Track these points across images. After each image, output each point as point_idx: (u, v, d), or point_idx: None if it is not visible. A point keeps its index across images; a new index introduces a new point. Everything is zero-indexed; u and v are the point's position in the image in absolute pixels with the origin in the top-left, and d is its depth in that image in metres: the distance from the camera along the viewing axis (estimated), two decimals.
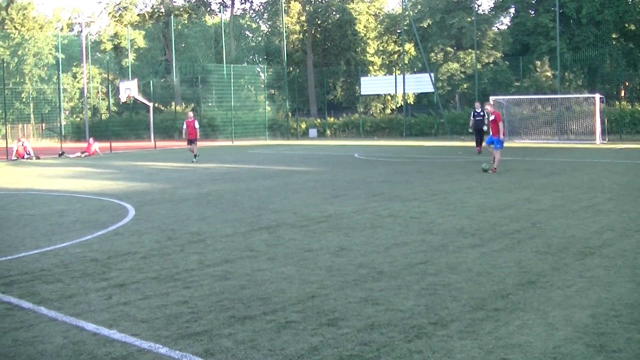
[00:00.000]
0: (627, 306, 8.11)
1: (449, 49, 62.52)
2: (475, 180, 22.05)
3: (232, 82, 61.89)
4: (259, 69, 71.40)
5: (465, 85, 61.41)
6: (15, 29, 71.41)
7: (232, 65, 64.57)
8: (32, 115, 68.68)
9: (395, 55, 72.02)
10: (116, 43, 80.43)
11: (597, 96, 43.80)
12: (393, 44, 73.19)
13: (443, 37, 62.20)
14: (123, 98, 59.41)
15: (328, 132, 62.16)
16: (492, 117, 25.67)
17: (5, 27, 71.74)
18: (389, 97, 71.07)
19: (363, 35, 74.81)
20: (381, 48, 74.82)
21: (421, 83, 58.15)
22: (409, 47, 65.89)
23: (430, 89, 57.27)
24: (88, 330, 7.77)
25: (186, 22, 78.70)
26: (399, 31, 67.67)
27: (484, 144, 27.01)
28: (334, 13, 75.75)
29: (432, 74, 56.86)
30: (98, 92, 73.94)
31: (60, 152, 44.87)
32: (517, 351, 6.66)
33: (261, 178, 24.97)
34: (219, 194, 20.21)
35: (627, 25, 60.33)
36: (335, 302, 8.52)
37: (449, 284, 9.21)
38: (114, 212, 17.49)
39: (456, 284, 9.23)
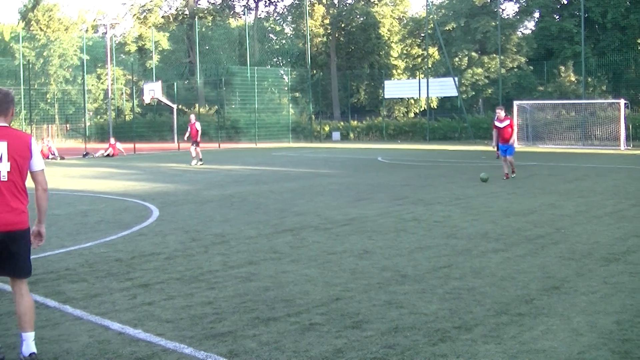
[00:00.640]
0: None
1: (473, 54, 62.38)
2: (499, 185, 22.00)
3: (256, 85, 62.03)
4: (282, 72, 71.41)
5: (489, 90, 61.26)
6: (41, 30, 71.88)
7: (255, 67, 64.71)
8: (56, 116, 69.05)
9: (419, 59, 71.95)
10: (140, 45, 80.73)
11: (622, 102, 43.60)
12: (417, 47, 73.11)
13: (467, 42, 62.08)
14: (147, 99, 59.59)
15: (351, 135, 62.16)
16: (505, 123, 24.36)
17: (31, 28, 72.21)
18: (412, 101, 70.98)
19: (387, 38, 74.76)
20: (405, 52, 74.76)
21: (445, 87, 58.08)
22: (432, 51, 65.78)
23: (453, 93, 57.20)
24: (113, 329, 7.83)
25: (210, 24, 78.88)
26: (422, 35, 67.60)
27: (499, 153, 25.27)
28: (357, 16, 75.77)
29: (456, 78, 56.75)
30: (122, 93, 74.25)
31: (84, 153, 45.14)
32: (541, 356, 6.65)
33: (284, 180, 25.02)
34: (242, 196, 20.27)
35: None
36: (359, 305, 8.54)
37: (472, 288, 9.20)
38: (138, 212, 17.58)
39: (480, 288, 9.23)
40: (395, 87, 64.86)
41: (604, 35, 58.97)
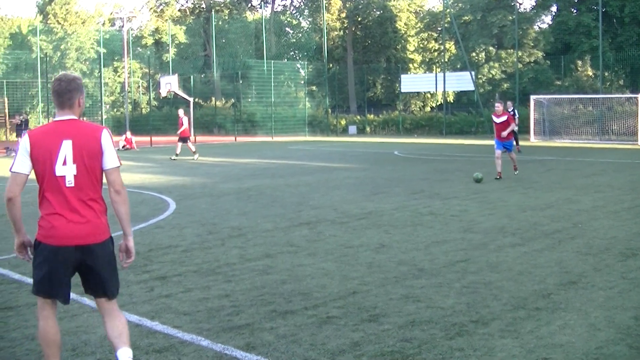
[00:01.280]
0: None
1: (490, 48, 62.19)
2: (515, 179, 21.95)
3: (272, 78, 62.05)
4: (299, 66, 71.37)
5: (505, 85, 61.04)
6: (58, 23, 71.99)
7: (272, 61, 64.71)
8: None
9: (436, 53, 71.82)
10: (157, 38, 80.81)
11: None
12: (433, 41, 72.99)
13: (484, 36, 61.87)
14: (163, 93, 59.56)
15: (368, 129, 62.09)
16: (503, 119, 22.78)
17: (49, 21, 72.36)
18: (429, 95, 70.85)
19: (403, 32, 74.64)
20: (421, 46, 74.65)
21: (461, 81, 57.90)
22: (449, 45, 65.62)
23: (470, 87, 57.01)
24: (131, 321, 7.84)
25: (227, 17, 78.91)
26: (439, 29, 67.43)
27: (497, 152, 22.71)
28: (374, 10, 75.68)
29: (473, 73, 56.60)
30: (139, 86, 74.41)
31: None
32: (558, 351, 6.64)
33: (301, 174, 25.04)
34: (259, 189, 20.30)
35: None
36: (376, 299, 8.55)
37: (489, 283, 9.20)
38: (155, 205, 17.64)
39: (497, 282, 9.22)
40: (412, 81, 64.75)
41: (622, 30, 58.64)
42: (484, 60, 61.82)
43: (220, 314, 8.04)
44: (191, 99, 58.69)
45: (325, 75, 65.17)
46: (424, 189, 19.63)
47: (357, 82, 72.51)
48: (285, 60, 74.05)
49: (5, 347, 7.13)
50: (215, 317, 7.93)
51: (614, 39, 58.57)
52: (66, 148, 5.66)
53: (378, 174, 24.57)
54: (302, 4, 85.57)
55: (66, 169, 5.65)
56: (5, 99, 60.39)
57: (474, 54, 61.67)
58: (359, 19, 75.71)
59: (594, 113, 47.44)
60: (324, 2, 68.21)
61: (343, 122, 63.96)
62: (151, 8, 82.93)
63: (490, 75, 60.82)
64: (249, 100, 65.84)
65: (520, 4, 64.11)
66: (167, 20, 78.61)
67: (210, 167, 29.20)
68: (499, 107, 23.12)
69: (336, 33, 75.62)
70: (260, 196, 18.86)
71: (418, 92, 69.54)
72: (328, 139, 55.03)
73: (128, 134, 46.92)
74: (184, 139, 35.10)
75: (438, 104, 67.08)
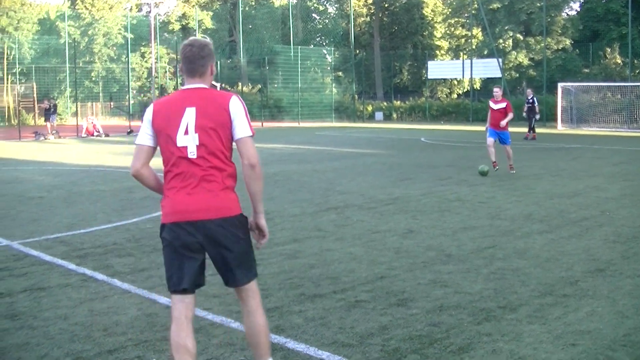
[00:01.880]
0: None
1: (518, 35, 61.89)
2: (542, 167, 21.90)
3: (299, 64, 62.10)
4: (325, 51, 71.35)
5: (532, 72, 60.77)
6: (86, 9, 72.21)
7: (299, 47, 64.76)
8: (101, 94, 69.52)
9: (463, 40, 71.56)
10: (184, 24, 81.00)
11: None
12: (460, 28, 72.73)
13: (512, 23, 61.61)
14: None
15: (394, 115, 62.00)
16: (501, 105, 20.57)
17: (77, 7, 72.63)
18: (455, 82, 70.65)
19: (430, 19, 74.44)
20: (448, 32, 74.40)
21: (488, 68, 57.67)
22: (476, 31, 65.37)
23: (497, 74, 56.77)
24: (161, 303, 7.96)
25: (253, 3, 78.99)
26: (466, 15, 67.17)
27: (489, 140, 20.42)
28: None
29: (500, 60, 56.34)
30: (166, 71, 74.64)
31: (128, 130, 45.48)
32: (586, 337, 6.66)
33: (328, 160, 25.09)
34: (286, 175, 20.37)
35: None
36: (404, 283, 8.60)
37: (517, 269, 9.22)
38: None
39: (524, 269, 9.24)
40: (439, 68, 64.63)
41: None
42: (511, 47, 61.54)
43: None
44: (218, 85, 58.84)
45: (351, 62, 65.12)
46: (451, 175, 19.62)
47: (384, 68, 72.46)
48: (312, 46, 74.07)
49: (39, 327, 7.23)
50: None
51: None
52: (189, 116, 5.16)
53: (405, 160, 24.59)
54: None
55: (188, 139, 5.14)
56: (34, 84, 60.78)
57: (501, 41, 61.40)
58: (386, 5, 75.58)
59: (622, 101, 47.12)
60: None
61: (370, 108, 63.93)
62: None
63: (517, 62, 60.54)
64: (276, 85, 65.93)
65: None
66: (194, 5, 78.80)
67: (237, 153, 29.24)
68: (497, 92, 20.95)
69: (363, 19, 75.52)
70: (287, 181, 18.93)
71: (445, 79, 69.39)
72: (354, 125, 55.01)
73: (91, 119, 46.84)
74: None
75: (465, 90, 66.84)
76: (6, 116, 59.30)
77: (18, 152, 31.92)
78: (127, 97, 61.77)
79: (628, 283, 8.56)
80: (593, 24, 61.24)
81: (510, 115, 20.48)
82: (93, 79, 67.98)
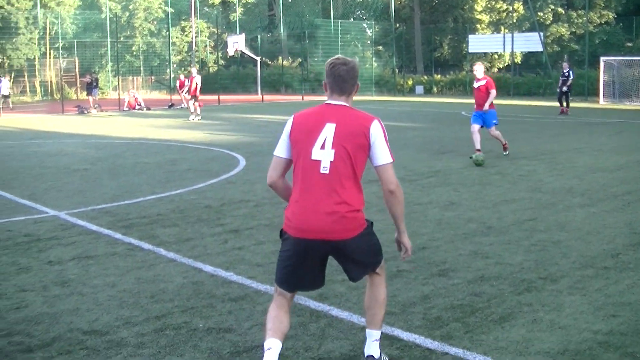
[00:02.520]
0: None
1: (559, 9, 61.31)
2: (584, 141, 21.79)
3: (340, 38, 62.02)
4: (365, 25, 71.13)
5: (574, 46, 60.21)
6: None
7: (339, 20, 64.65)
8: (141, 68, 69.85)
9: (504, 14, 70.95)
10: None
11: None
12: (501, 2, 72.11)
13: None
14: (231, 52, 60.03)
15: (435, 89, 61.74)
16: (480, 84, 18.23)
17: None
18: (496, 56, 70.14)
19: None
20: (489, 6, 73.77)
21: (529, 42, 57.12)
22: (517, 5, 64.82)
23: (538, 48, 56.29)
24: (206, 271, 8.14)
25: None
26: None
27: (473, 126, 18.16)
28: None
29: (541, 34, 55.86)
30: (206, 46, 74.79)
31: (169, 104, 45.80)
32: (627, 309, 6.72)
33: None
34: None
35: None
36: (445, 254, 8.69)
37: (558, 242, 9.27)
38: (225, 162, 17.94)
39: (565, 241, 9.29)
40: (480, 42, 64.12)
41: None
42: (551, 21, 60.97)
43: None
44: (258, 58, 59.00)
45: (392, 35, 64.89)
46: (492, 149, 19.57)
47: (424, 42, 72.03)
48: (352, 19, 73.85)
49: (88, 293, 7.43)
50: None
51: None
52: (328, 131, 5.10)
53: (445, 134, 24.59)
54: None
55: (323, 154, 5.07)
56: (76, 59, 61.21)
57: (541, 14, 60.84)
58: None
59: None
60: None
61: (410, 82, 63.70)
62: None
63: (559, 36, 59.98)
64: (316, 59, 65.84)
65: None
66: None
67: (278, 126, 29.28)
68: (477, 69, 18.42)
69: None
70: None
71: (485, 53, 68.89)
72: (395, 98, 54.90)
73: (133, 92, 47.14)
74: (194, 97, 34.84)
75: (506, 65, 66.35)
76: (49, 90, 59.85)
77: (62, 125, 32.26)
78: (167, 71, 62.07)
79: None
80: None
81: (493, 94, 18.02)
82: (134, 53, 68.28)
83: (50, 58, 59.97)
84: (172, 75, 58.83)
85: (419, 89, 61.45)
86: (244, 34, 60.31)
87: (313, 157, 5.07)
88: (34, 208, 12.28)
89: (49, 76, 60.26)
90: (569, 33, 60.01)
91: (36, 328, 6.48)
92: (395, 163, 5.18)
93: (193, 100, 34.85)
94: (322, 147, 5.06)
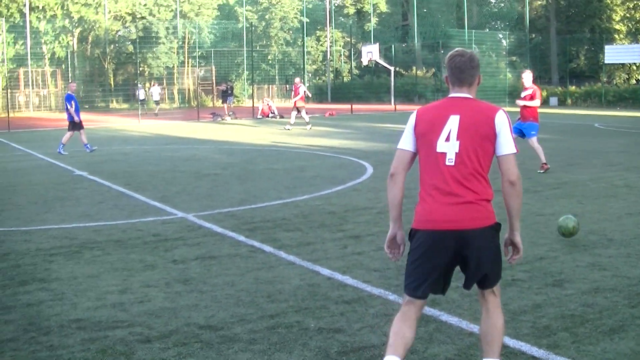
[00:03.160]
0: None
1: None
2: None
3: (474, 48, 61.68)
4: (500, 36, 70.51)
5: None
6: None
7: (473, 31, 64.30)
8: (276, 77, 71.08)
9: None
10: (359, 7, 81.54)
11: None
12: None
13: None
14: (365, 61, 60.44)
15: (569, 100, 60.73)
16: (527, 93, 17.42)
17: None
18: (635, 67, 68.50)
19: (609, 1, 72.35)
20: (627, 15, 72.09)
21: None
22: None
23: None
24: (323, 274, 8.34)
25: None
26: None
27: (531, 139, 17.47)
28: None
29: None
30: (340, 55, 75.48)
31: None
32: None
33: None
34: None
35: None
36: (562, 265, 8.66)
37: None
38: (353, 169, 18.17)
39: None
40: (616, 52, 62.70)
41: None
42: None
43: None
44: (392, 68, 59.20)
45: (527, 46, 64.25)
46: (622, 161, 19.25)
47: (559, 52, 70.86)
48: (487, 30, 73.33)
49: (207, 291, 7.74)
50: (404, 274, 8.25)
51: None
52: (452, 123, 5.09)
53: (575, 145, 24.26)
54: None
55: (448, 146, 5.05)
56: (213, 67, 62.67)
57: None
58: None
59: None
60: None
61: (544, 93, 62.79)
62: None
63: None
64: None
65: None
66: None
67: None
68: (525, 77, 17.74)
69: (539, 2, 74.09)
70: None
71: (622, 64, 67.35)
72: None
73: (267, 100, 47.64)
74: (298, 109, 34.55)
75: None
76: (186, 98, 61.50)
77: (196, 131, 33.17)
78: (302, 80, 62.96)
79: None
80: None
81: (533, 103, 17.29)
82: (269, 62, 69.53)
83: (188, 67, 61.63)
84: (307, 84, 59.54)
85: (553, 100, 60.54)
86: (378, 44, 60.63)
87: (438, 150, 5.06)
88: (164, 210, 12.79)
89: (186, 84, 61.94)
90: None
91: (156, 321, 6.84)
92: (521, 174, 5.20)
93: (300, 111, 34.51)
94: (447, 139, 5.04)
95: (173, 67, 62.61)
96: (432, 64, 67.16)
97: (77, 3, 58.13)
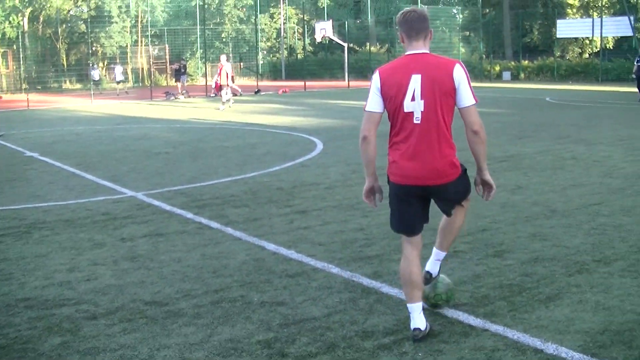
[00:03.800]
0: None
1: None
2: None
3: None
4: (455, 11, 70.73)
5: None
6: None
7: (426, 6, 64.45)
8: (230, 55, 70.78)
9: None
10: None
11: None
12: None
13: None
14: (318, 38, 60.35)
15: (522, 75, 61.17)
16: None
17: None
18: (587, 41, 69.05)
19: None
20: None
21: (620, 26, 56.08)
22: None
23: (628, 32, 55.24)
24: (268, 249, 8.48)
25: None
26: None
27: None
28: None
29: (632, 17, 54.76)
30: (294, 32, 75.31)
31: (256, 90, 46.36)
32: None
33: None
34: None
35: None
36: (504, 236, 8.85)
37: (619, 226, 9.31)
38: (303, 146, 18.28)
39: (627, 225, 9.32)
40: (569, 27, 63.16)
41: None
42: None
43: (353, 245, 8.54)
44: (345, 45, 59.18)
45: (480, 21, 64.48)
46: (571, 134, 19.52)
47: (513, 27, 71.29)
48: (440, 5, 73.52)
49: (154, 267, 7.85)
50: (349, 248, 8.43)
51: None
52: (415, 82, 5.45)
53: (526, 119, 24.51)
54: None
55: (414, 105, 5.45)
56: (167, 46, 62.33)
57: None
58: None
59: None
60: None
61: (497, 68, 63.18)
62: None
63: None
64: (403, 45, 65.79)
65: None
66: None
67: (361, 111, 29.53)
68: None
69: None
70: None
71: (576, 38, 67.86)
72: (481, 84, 54.40)
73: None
74: (222, 86, 33.76)
75: (596, 50, 65.36)
76: (140, 77, 61.09)
77: (149, 111, 33.08)
78: (256, 57, 62.78)
79: None
80: None
81: None
82: (223, 40, 69.14)
83: (141, 46, 61.18)
84: (261, 62, 59.41)
85: (506, 74, 60.93)
86: (331, 20, 60.54)
87: (405, 110, 5.48)
88: (114, 189, 12.84)
89: (140, 63, 61.50)
90: None
91: (102, 298, 6.93)
92: (468, 147, 5.46)
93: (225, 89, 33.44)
94: (412, 99, 5.44)
95: (126, 46, 62.09)
96: (386, 40, 67.20)
97: None
